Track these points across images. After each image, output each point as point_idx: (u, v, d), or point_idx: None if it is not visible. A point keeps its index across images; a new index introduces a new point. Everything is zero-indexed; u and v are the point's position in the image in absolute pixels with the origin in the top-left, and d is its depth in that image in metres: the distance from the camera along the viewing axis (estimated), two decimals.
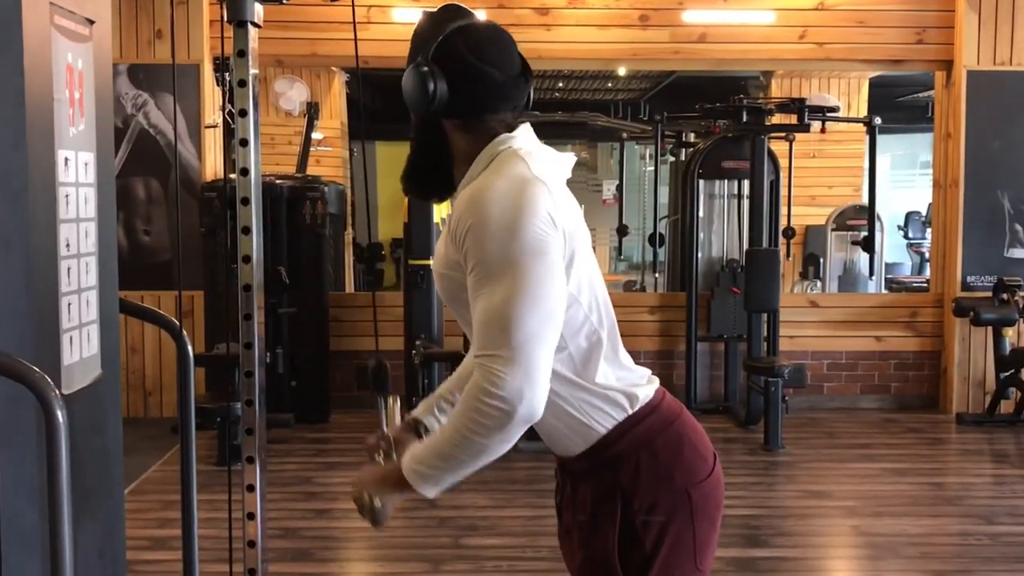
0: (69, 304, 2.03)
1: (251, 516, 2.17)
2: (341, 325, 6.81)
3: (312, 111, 8.03)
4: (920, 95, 12.52)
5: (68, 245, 2.02)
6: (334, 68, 9.58)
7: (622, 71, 12.09)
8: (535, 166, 1.72)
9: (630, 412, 1.78)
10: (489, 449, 1.64)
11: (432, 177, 1.85)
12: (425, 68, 1.74)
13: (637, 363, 1.87)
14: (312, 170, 7.90)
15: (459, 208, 1.69)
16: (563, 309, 1.67)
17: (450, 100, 1.75)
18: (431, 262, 6.19)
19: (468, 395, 1.63)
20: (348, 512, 4.87)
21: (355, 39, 2.13)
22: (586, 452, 1.79)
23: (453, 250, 1.71)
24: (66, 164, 2.01)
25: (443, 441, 1.67)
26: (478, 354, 1.63)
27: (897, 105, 12.75)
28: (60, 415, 1.63)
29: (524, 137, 1.79)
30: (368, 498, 1.77)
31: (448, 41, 1.75)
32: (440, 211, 6.36)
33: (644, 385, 1.83)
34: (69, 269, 2.03)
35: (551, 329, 1.63)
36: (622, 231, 8.37)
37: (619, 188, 8.98)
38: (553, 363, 1.70)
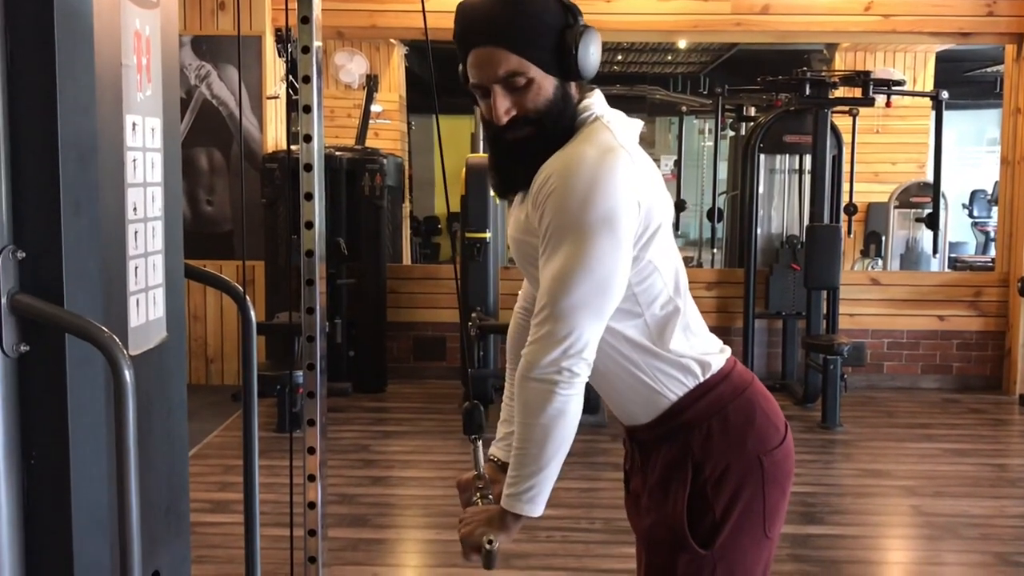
0: (136, 267, 2.07)
1: (312, 478, 2.20)
2: (398, 297, 6.86)
3: (371, 84, 8.06)
4: (988, 70, 12.24)
5: (135, 209, 2.06)
6: (393, 41, 9.60)
7: (682, 44, 11.96)
8: (620, 134, 1.73)
9: (702, 379, 1.79)
10: (552, 430, 1.66)
11: (556, 148, 1.72)
12: (590, 26, 1.73)
13: None
14: (371, 143, 7.94)
15: (546, 173, 1.69)
16: (622, 283, 1.67)
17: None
18: (487, 235, 6.26)
19: (515, 389, 1.68)
20: (404, 480, 4.94)
21: (423, 11, 2.13)
22: (657, 420, 1.80)
23: (533, 213, 1.71)
24: (133, 129, 2.04)
25: (515, 448, 1.70)
26: (532, 321, 1.68)
27: (964, 80, 12.48)
28: (128, 375, 1.67)
29: (601, 103, 1.80)
30: (484, 539, 1.74)
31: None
32: None
33: (716, 354, 1.84)
34: (136, 232, 2.07)
35: (602, 300, 1.65)
36: (680, 206, 8.32)
37: (677, 163, 8.92)
38: (629, 330, 1.74)
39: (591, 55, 1.72)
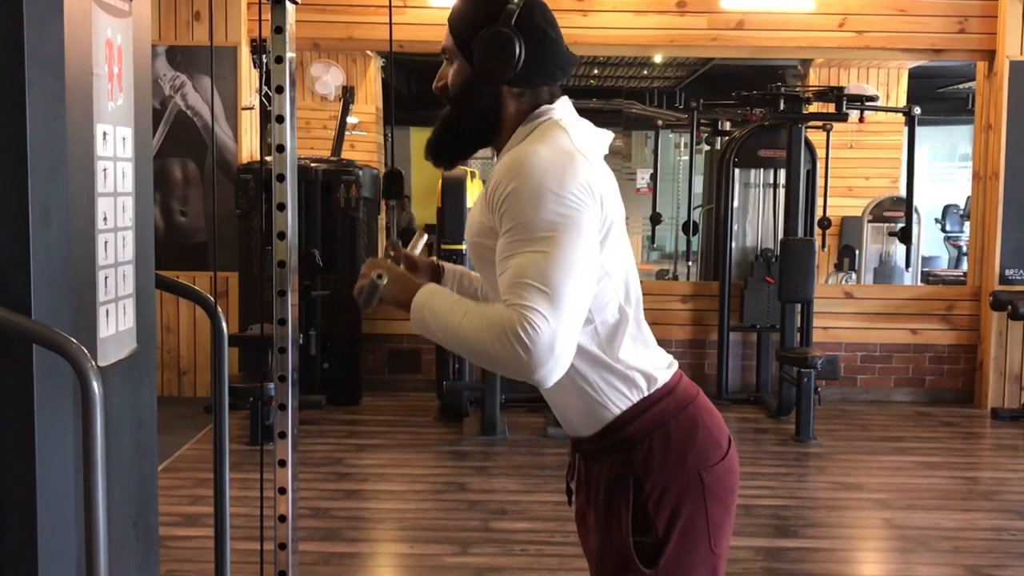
0: (106, 277, 2.05)
1: (282, 491, 2.18)
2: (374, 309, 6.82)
3: (348, 95, 8.04)
4: (960, 86, 12.38)
5: (106, 219, 2.04)
6: (369, 53, 9.60)
7: (658, 58, 12.03)
8: (576, 138, 1.73)
9: (646, 394, 1.77)
10: (492, 367, 1.65)
11: (468, 144, 1.86)
12: (511, 33, 1.73)
13: (668, 352, 1.87)
14: (347, 154, 7.92)
15: (499, 172, 1.69)
16: (595, 280, 1.67)
17: (524, 67, 1.75)
18: (463, 247, 6.26)
19: (498, 321, 1.59)
20: (377, 493, 4.91)
21: (390, 23, 2.14)
22: (599, 433, 1.79)
23: (488, 215, 1.71)
24: (104, 138, 2.03)
25: (461, 325, 1.65)
26: (514, 302, 1.58)
27: (937, 96, 12.60)
28: (96, 386, 1.65)
29: (563, 109, 1.81)
30: (376, 276, 1.78)
31: (530, 9, 1.76)
32: (473, 195, 6.36)
33: (663, 368, 1.82)
34: (106, 242, 2.05)
35: (585, 298, 1.63)
36: (655, 220, 8.35)
37: (653, 177, 8.95)
38: (579, 337, 1.69)
39: (487, 59, 1.75)
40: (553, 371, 1.59)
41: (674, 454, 1.76)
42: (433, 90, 1.85)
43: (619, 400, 1.76)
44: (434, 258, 2.06)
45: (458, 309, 1.68)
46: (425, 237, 2.04)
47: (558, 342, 1.57)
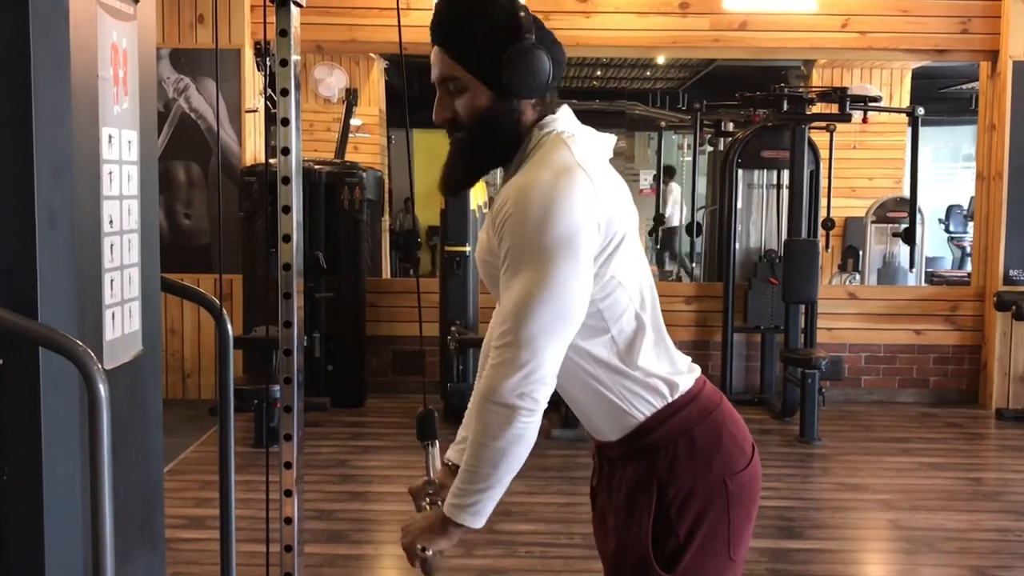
0: (112, 280, 2.06)
1: (288, 493, 2.18)
2: (377, 311, 6.84)
3: (351, 97, 8.05)
4: (963, 87, 12.37)
5: (111, 222, 2.05)
6: (373, 55, 9.61)
7: (661, 59, 12.03)
8: (578, 151, 1.71)
9: (669, 400, 1.77)
10: (506, 452, 1.65)
11: (486, 166, 1.80)
12: (538, 47, 1.70)
13: None
14: (350, 156, 7.93)
15: (503, 198, 1.69)
16: (583, 307, 1.67)
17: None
18: (466, 249, 6.28)
19: (475, 404, 1.67)
20: (382, 495, 4.91)
21: (399, 25, 2.13)
22: (623, 438, 1.79)
23: (494, 238, 1.72)
24: (110, 141, 2.03)
25: (466, 463, 1.70)
26: (493, 344, 1.66)
27: (940, 97, 12.60)
28: (102, 388, 1.65)
29: (566, 119, 1.79)
30: (419, 548, 1.77)
31: (532, 19, 1.74)
32: (476, 198, 6.36)
33: (685, 374, 1.82)
34: (112, 246, 2.05)
35: (564, 326, 1.64)
36: (659, 221, 8.35)
37: (656, 178, 8.96)
38: (596, 347, 1.73)
39: (525, 75, 1.70)
40: (534, 398, 1.63)
41: (699, 460, 1.76)
42: (437, 124, 1.77)
43: (643, 407, 1.76)
44: (444, 460, 2.03)
45: (468, 461, 1.69)
46: (437, 448, 2.01)
47: (529, 371, 1.62)
